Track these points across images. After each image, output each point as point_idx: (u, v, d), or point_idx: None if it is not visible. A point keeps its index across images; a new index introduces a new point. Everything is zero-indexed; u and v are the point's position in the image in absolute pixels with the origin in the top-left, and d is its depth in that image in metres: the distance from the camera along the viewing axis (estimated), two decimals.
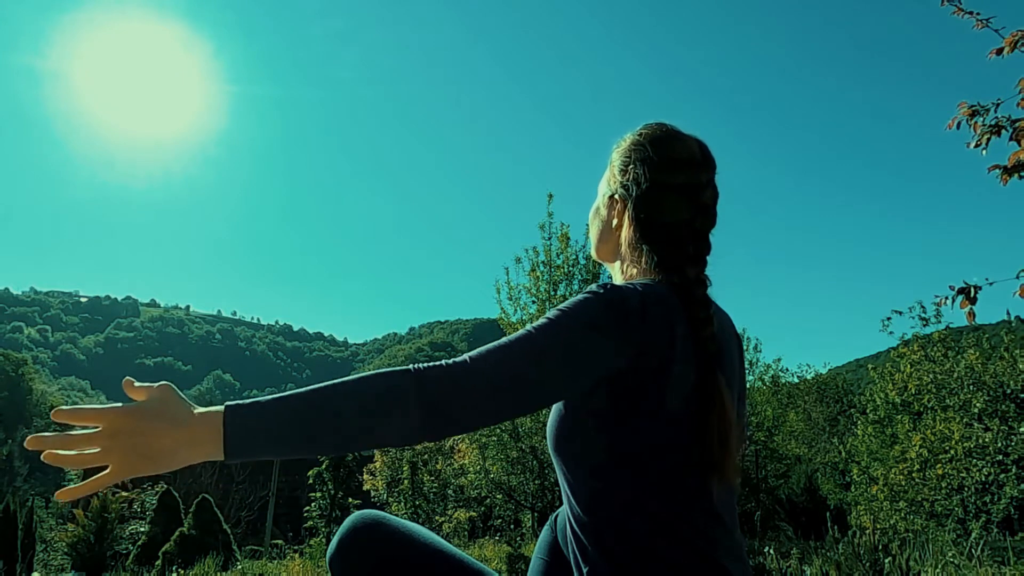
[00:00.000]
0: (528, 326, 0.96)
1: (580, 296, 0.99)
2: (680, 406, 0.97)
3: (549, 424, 1.06)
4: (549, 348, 0.93)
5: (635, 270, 1.12)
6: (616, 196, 1.17)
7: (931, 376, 11.61)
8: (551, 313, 0.96)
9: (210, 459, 0.89)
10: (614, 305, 0.96)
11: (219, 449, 0.87)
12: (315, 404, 0.88)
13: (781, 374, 18.24)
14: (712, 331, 1.00)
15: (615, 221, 1.18)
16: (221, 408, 0.88)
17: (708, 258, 1.10)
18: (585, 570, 0.99)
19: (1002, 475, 9.70)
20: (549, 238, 11.18)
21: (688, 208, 1.10)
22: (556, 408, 1.04)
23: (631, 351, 0.95)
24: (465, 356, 0.94)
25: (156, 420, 0.87)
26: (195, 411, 0.89)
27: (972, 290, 2.73)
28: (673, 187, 1.10)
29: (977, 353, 11.22)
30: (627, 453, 0.97)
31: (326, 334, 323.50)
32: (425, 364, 0.93)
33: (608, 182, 1.20)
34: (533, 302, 12.28)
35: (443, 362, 0.93)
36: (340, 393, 0.89)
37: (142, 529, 13.71)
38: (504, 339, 0.95)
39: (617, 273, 1.20)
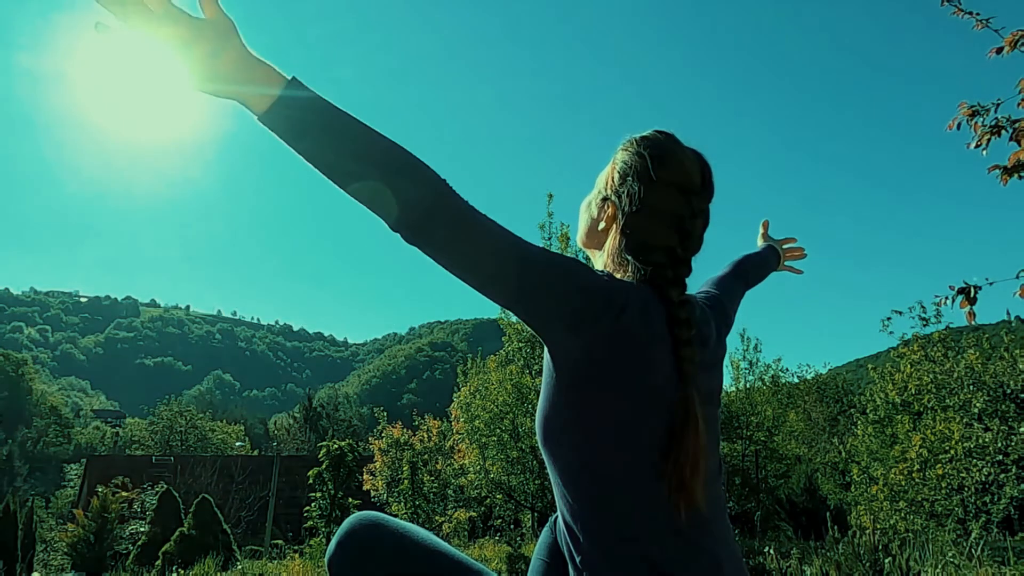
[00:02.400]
0: None
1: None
2: (658, 410, 1.00)
3: (537, 417, 1.08)
4: (540, 259, 0.98)
5: (619, 275, 1.14)
6: (609, 200, 1.18)
7: (931, 376, 11.61)
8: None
9: (247, 95, 0.90)
10: (606, 286, 1.01)
11: (269, 91, 0.90)
12: (365, 126, 0.94)
13: (781, 374, 18.20)
14: (693, 352, 1.03)
15: (602, 224, 1.19)
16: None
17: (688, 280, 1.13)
18: (578, 559, 1.02)
19: (1002, 475, 9.69)
20: (549, 238, 11.19)
21: (674, 236, 1.11)
22: (543, 401, 1.06)
23: (600, 327, 0.98)
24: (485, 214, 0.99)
25: (223, 32, 0.89)
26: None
27: (972, 290, 2.73)
28: (664, 213, 1.11)
29: (977, 353, 11.22)
30: (610, 445, 1.00)
31: (326, 334, 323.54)
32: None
33: (606, 181, 1.20)
34: None
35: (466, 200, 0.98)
36: (387, 139, 0.94)
37: (142, 529, 13.72)
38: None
39: (599, 265, 1.22)
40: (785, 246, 1.94)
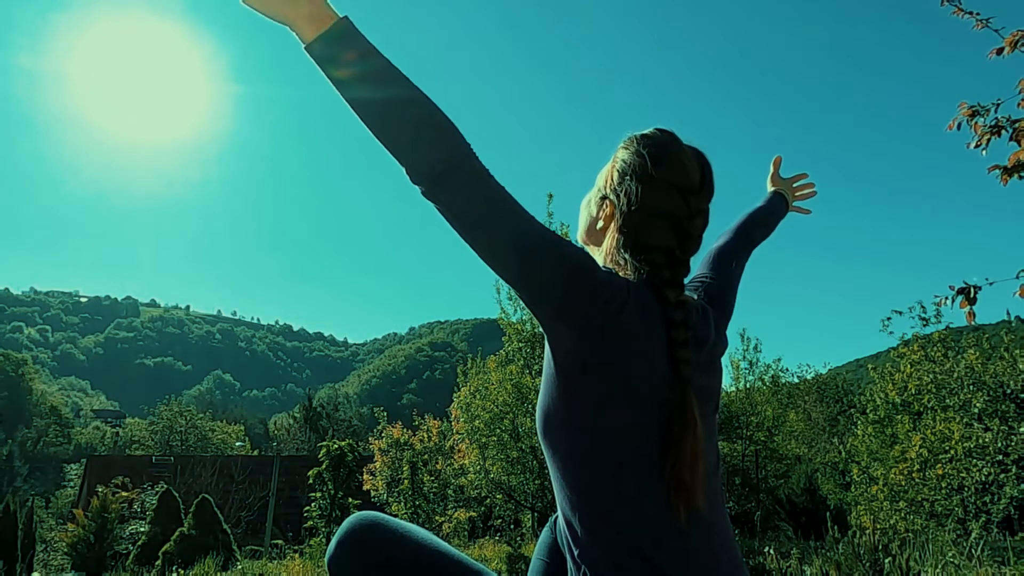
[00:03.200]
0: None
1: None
2: (655, 410, 1.00)
3: (538, 410, 1.09)
4: (550, 243, 1.00)
5: (620, 273, 1.14)
6: (608, 199, 1.18)
7: (931, 376, 11.60)
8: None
9: (301, 23, 0.99)
10: (609, 281, 1.02)
11: (320, 22, 0.99)
12: (403, 78, 1.00)
13: (781, 374, 18.14)
14: (689, 353, 1.03)
15: (600, 223, 1.20)
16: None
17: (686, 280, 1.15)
18: (576, 552, 1.02)
19: (1002, 475, 9.69)
20: None
21: (672, 236, 1.10)
22: (542, 395, 1.07)
23: (601, 321, 0.99)
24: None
25: None
26: None
27: (972, 290, 2.72)
28: (661, 214, 1.11)
29: (977, 353, 11.21)
30: (608, 441, 1.00)
31: (326, 334, 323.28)
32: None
33: (606, 180, 1.20)
34: None
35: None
36: (423, 94, 1.00)
37: (142, 529, 13.69)
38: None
39: (600, 261, 1.22)
40: (795, 183, 1.89)
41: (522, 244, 0.98)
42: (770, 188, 1.87)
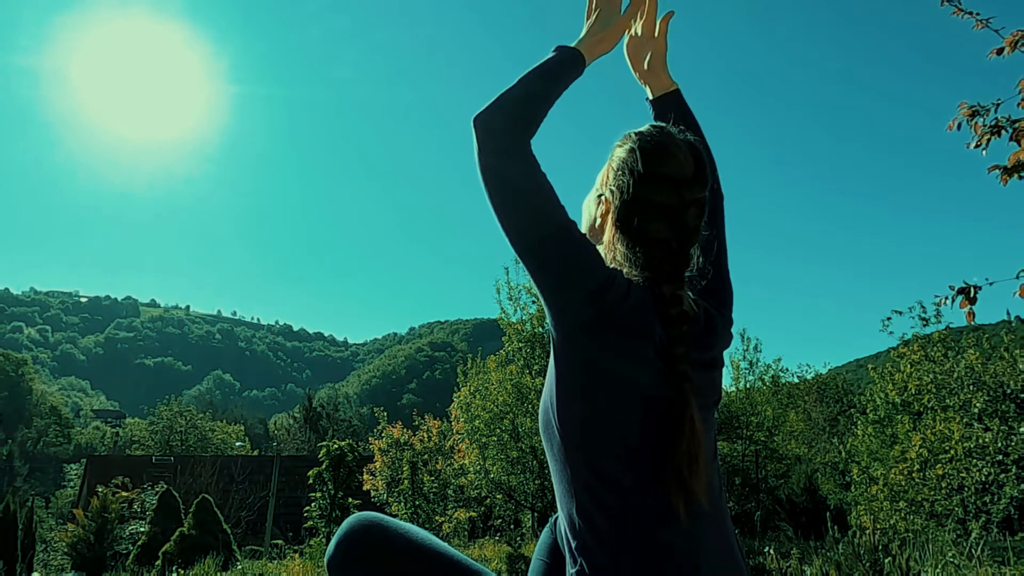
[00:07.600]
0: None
1: None
2: (652, 404, 1.02)
3: (540, 406, 1.11)
4: (568, 221, 1.08)
5: (615, 266, 1.15)
6: (604, 197, 1.19)
7: (931, 376, 11.59)
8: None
9: (595, 51, 1.36)
10: (613, 275, 1.06)
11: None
12: (534, 94, 1.16)
13: (781, 374, 18.15)
14: (685, 351, 1.04)
15: (598, 221, 1.21)
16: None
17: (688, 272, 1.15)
18: (574, 544, 1.03)
19: (1002, 475, 9.69)
20: None
21: (666, 228, 1.11)
22: (545, 390, 1.09)
23: (602, 313, 1.01)
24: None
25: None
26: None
27: (972, 290, 2.72)
28: (654, 206, 1.11)
29: (977, 353, 11.21)
30: (606, 435, 1.02)
31: (326, 334, 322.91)
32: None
33: (603, 178, 1.22)
34: (533, 302, 12.30)
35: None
36: (536, 101, 1.16)
37: (142, 529, 13.69)
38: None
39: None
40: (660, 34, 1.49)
41: (554, 210, 1.06)
42: (651, 90, 1.49)
